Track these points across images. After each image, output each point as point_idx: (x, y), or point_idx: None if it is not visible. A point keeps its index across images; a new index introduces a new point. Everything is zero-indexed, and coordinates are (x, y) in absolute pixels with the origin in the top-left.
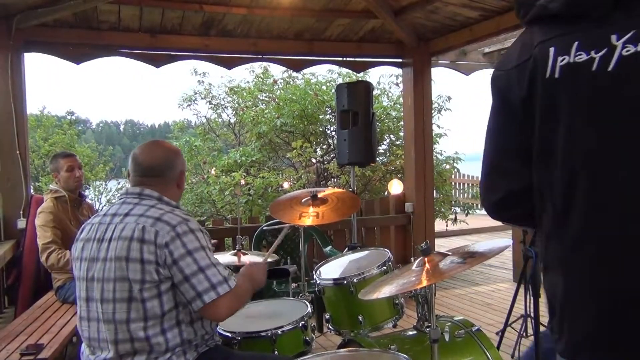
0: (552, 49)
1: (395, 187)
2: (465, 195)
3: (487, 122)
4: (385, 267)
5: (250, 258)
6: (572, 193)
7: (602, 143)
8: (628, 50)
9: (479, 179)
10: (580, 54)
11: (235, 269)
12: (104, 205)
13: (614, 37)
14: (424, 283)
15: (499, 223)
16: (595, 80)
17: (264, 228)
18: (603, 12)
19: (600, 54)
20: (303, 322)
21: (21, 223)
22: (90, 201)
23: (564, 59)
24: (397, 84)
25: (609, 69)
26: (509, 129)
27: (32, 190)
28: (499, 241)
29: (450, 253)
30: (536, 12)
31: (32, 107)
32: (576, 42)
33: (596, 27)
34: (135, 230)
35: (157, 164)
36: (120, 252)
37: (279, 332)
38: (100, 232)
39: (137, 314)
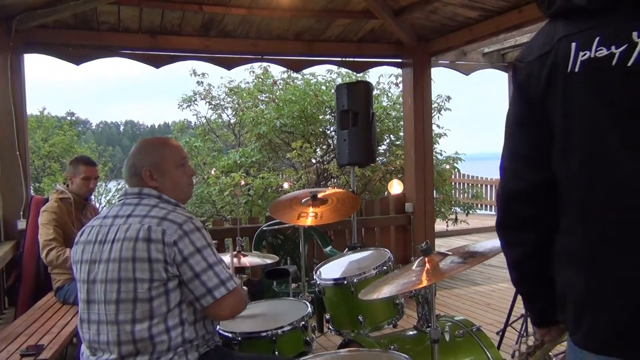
0: (574, 44)
1: (395, 187)
2: (466, 195)
3: (508, 110)
4: (385, 267)
5: (251, 259)
6: (591, 189)
7: (622, 139)
8: None
9: (493, 177)
10: (601, 49)
11: (235, 270)
12: (104, 206)
13: (635, 34)
14: (424, 283)
15: None
16: (613, 75)
17: (264, 228)
18: (629, 8)
19: (621, 49)
20: (303, 323)
21: (21, 224)
22: (94, 204)
23: (585, 54)
24: (396, 84)
25: (629, 64)
26: (528, 120)
27: (32, 191)
28: (499, 241)
29: (450, 253)
30: (561, 6)
31: (32, 108)
32: (598, 37)
33: (619, 22)
34: (140, 230)
35: (125, 168)
36: (125, 252)
37: (279, 332)
38: (102, 234)
39: (143, 313)
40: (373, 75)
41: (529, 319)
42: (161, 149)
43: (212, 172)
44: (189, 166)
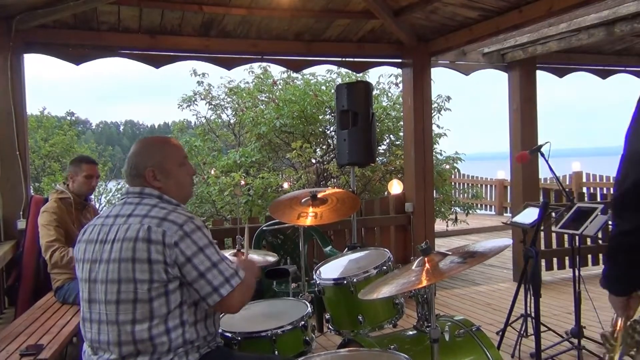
0: None
1: (395, 187)
2: (465, 195)
3: None
4: (385, 267)
5: (251, 258)
6: None
7: None
8: None
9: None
10: None
11: None
12: (104, 206)
13: None
14: (424, 283)
15: (499, 223)
16: None
17: (264, 228)
18: None
19: None
20: (303, 322)
21: (21, 224)
22: (94, 204)
23: None
24: (396, 84)
25: None
26: None
27: (32, 191)
28: (499, 241)
29: (450, 253)
30: None
31: (33, 108)
32: None
33: None
34: (140, 230)
35: (126, 168)
36: (125, 253)
37: (279, 332)
38: (103, 233)
39: (143, 314)
40: (373, 75)
41: (529, 319)
42: (163, 149)
43: (212, 172)
44: (190, 165)
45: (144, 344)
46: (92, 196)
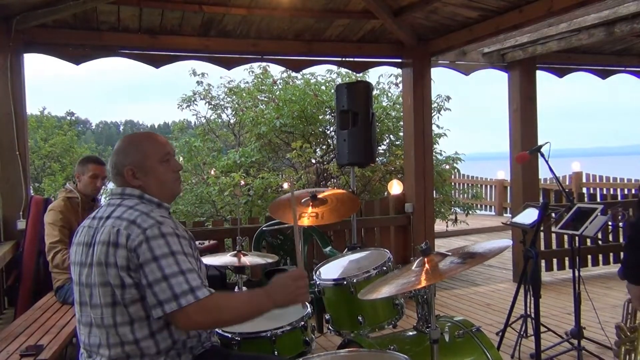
0: None
1: (395, 187)
2: (465, 195)
3: None
4: (385, 268)
5: (251, 259)
6: None
7: None
8: None
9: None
10: None
11: (235, 269)
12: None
13: None
14: (424, 283)
15: (498, 223)
16: None
17: (264, 229)
18: None
19: None
20: (303, 323)
21: (21, 224)
22: (101, 205)
23: None
24: (396, 84)
25: None
26: None
27: (32, 191)
28: (499, 241)
29: (450, 253)
30: None
31: (33, 108)
32: None
33: None
34: (111, 234)
35: (108, 167)
36: (99, 257)
37: (279, 332)
38: (89, 236)
39: (123, 317)
40: (373, 75)
41: (529, 319)
42: (143, 146)
43: (212, 172)
44: (175, 160)
45: (130, 346)
46: (102, 197)
